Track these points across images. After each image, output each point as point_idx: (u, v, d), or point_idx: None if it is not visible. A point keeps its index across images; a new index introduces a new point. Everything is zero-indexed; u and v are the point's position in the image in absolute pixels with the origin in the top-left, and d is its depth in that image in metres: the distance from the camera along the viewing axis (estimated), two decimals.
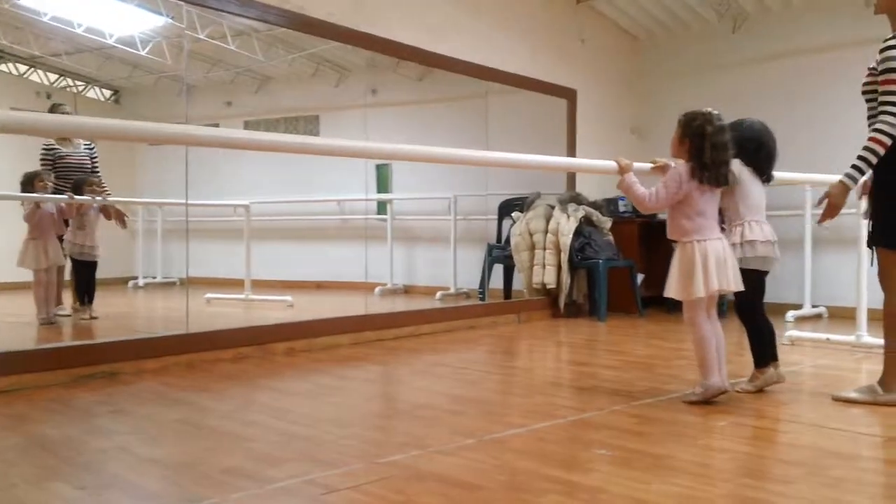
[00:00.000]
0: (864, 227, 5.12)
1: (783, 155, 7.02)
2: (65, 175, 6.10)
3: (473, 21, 6.73)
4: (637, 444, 2.94)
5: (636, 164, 3.79)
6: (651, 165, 3.82)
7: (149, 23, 6.41)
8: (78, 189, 6.03)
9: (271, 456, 2.81)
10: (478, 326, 6.51)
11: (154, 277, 8.40)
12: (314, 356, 5.07)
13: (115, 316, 6.77)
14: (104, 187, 6.18)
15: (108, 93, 7.69)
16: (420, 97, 7.83)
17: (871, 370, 4.59)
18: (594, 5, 7.85)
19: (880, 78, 3.53)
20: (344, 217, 8.35)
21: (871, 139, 3.48)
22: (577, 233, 7.07)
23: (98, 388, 4.02)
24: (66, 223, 6.05)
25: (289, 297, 7.07)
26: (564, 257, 7.03)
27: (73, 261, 6.15)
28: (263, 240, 8.05)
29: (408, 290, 8.23)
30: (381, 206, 8.22)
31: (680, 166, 3.58)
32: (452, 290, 7.82)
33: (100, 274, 6.23)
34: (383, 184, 8.19)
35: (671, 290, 3.63)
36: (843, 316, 6.58)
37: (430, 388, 4.24)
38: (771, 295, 7.19)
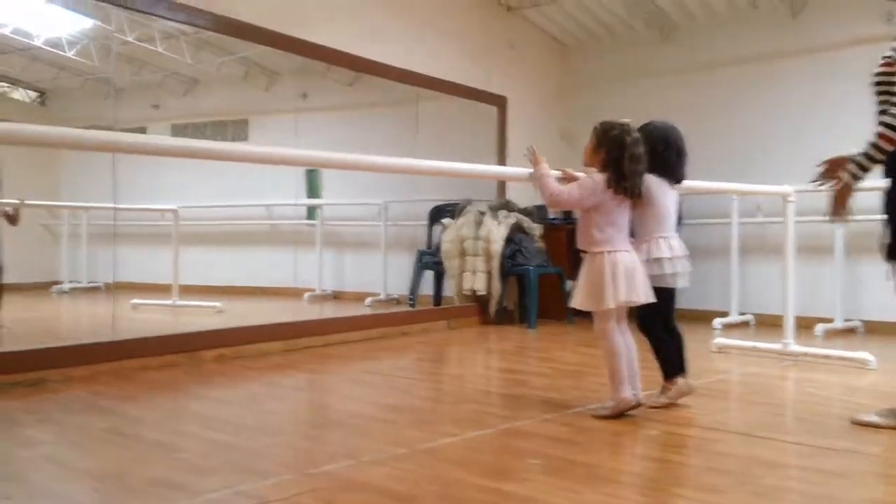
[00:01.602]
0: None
1: (712, 163, 7.24)
2: None
3: (404, 27, 6.73)
4: (569, 454, 2.97)
5: (552, 171, 3.67)
6: (560, 175, 3.68)
7: (76, 25, 6.27)
8: None
9: (201, 466, 2.77)
10: (409, 333, 6.50)
11: (79, 282, 8.21)
12: (244, 363, 5.01)
13: (40, 322, 6.60)
14: None
15: (33, 94, 7.49)
16: (351, 102, 7.80)
17: (797, 378, 4.72)
18: (524, 13, 7.92)
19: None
20: (273, 222, 8.26)
21: (878, 134, 3.31)
22: (508, 240, 7.12)
23: (24, 397, 3.92)
24: None
25: (217, 303, 6.97)
26: (495, 264, 7.07)
27: None
28: (192, 244, 7.92)
29: (337, 296, 8.18)
30: (311, 212, 8.16)
31: (596, 175, 3.50)
32: (382, 297, 7.80)
33: (23, 279, 6.05)
34: (313, 189, 8.13)
35: (579, 301, 3.57)
36: (770, 323, 6.72)
37: (362, 396, 4.23)
38: (698, 302, 7.47)
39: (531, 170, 3.63)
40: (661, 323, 3.78)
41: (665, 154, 3.69)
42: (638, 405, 3.54)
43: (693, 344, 5.96)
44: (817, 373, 4.80)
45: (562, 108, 8.51)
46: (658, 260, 3.66)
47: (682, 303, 7.28)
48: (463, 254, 7.22)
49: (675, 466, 2.86)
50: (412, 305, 7.46)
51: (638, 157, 3.46)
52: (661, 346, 3.78)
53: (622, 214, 3.55)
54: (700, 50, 7.74)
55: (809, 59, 7.12)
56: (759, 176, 6.70)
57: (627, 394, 3.49)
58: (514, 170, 3.75)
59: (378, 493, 2.50)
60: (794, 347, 5.21)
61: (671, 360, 3.77)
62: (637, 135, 3.49)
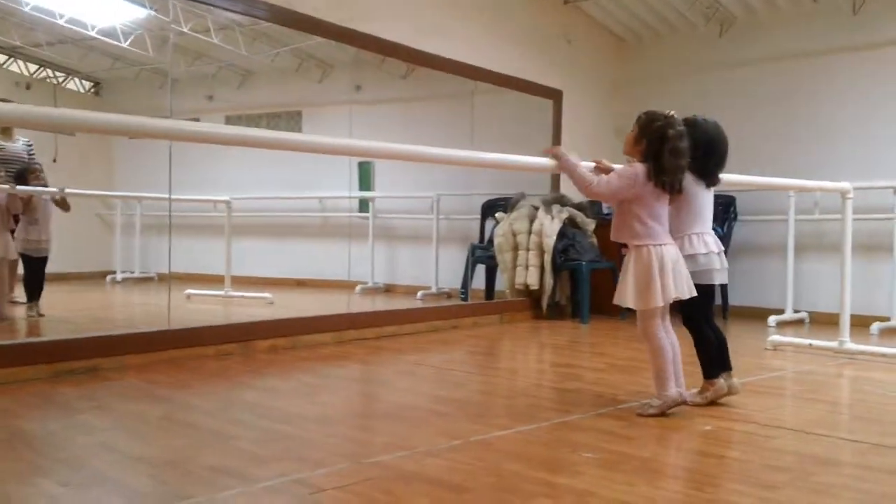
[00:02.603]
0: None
1: (769, 159, 7.16)
2: (2, 167, 5.90)
3: (460, 19, 6.72)
4: (623, 448, 2.94)
5: (586, 163, 3.53)
6: (594, 164, 3.55)
7: (131, 14, 6.35)
8: (22, 179, 5.78)
9: (257, 454, 2.79)
10: (460, 327, 6.49)
11: (132, 272, 8.33)
12: (297, 354, 5.04)
13: (94, 310, 6.70)
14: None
15: (88, 84, 7.61)
16: (405, 94, 7.81)
17: (853, 376, 4.63)
18: (581, 6, 7.86)
19: None
20: (325, 214, 8.32)
21: None
22: (561, 234, 7.07)
23: (80, 384, 3.97)
24: (15, 219, 5.79)
25: (268, 295, 7.03)
26: (548, 258, 7.03)
27: (24, 257, 5.87)
28: (244, 236, 8.00)
29: (388, 290, 8.21)
30: (364, 204, 8.19)
31: (637, 165, 3.40)
32: (434, 290, 7.81)
33: (78, 268, 6.15)
34: (365, 181, 8.16)
35: (626, 299, 3.44)
36: (825, 321, 6.63)
37: (414, 388, 4.23)
38: (753, 299, 7.38)
39: (536, 158, 3.57)
40: (705, 320, 3.69)
41: (703, 159, 3.56)
42: (683, 403, 3.47)
43: (748, 341, 5.97)
44: (873, 371, 4.72)
45: (618, 103, 8.43)
46: (693, 256, 3.54)
47: (737, 300, 7.41)
48: (516, 248, 7.20)
49: (730, 462, 2.81)
50: (464, 299, 7.45)
51: (680, 151, 3.35)
52: (703, 344, 3.66)
53: (663, 207, 3.45)
54: (759, 45, 7.62)
55: (869, 54, 6.98)
56: (817, 172, 6.57)
57: (673, 392, 3.41)
58: (537, 160, 3.63)
59: (434, 483, 2.49)
60: (850, 345, 5.12)
61: (712, 360, 3.66)
62: (681, 128, 3.38)
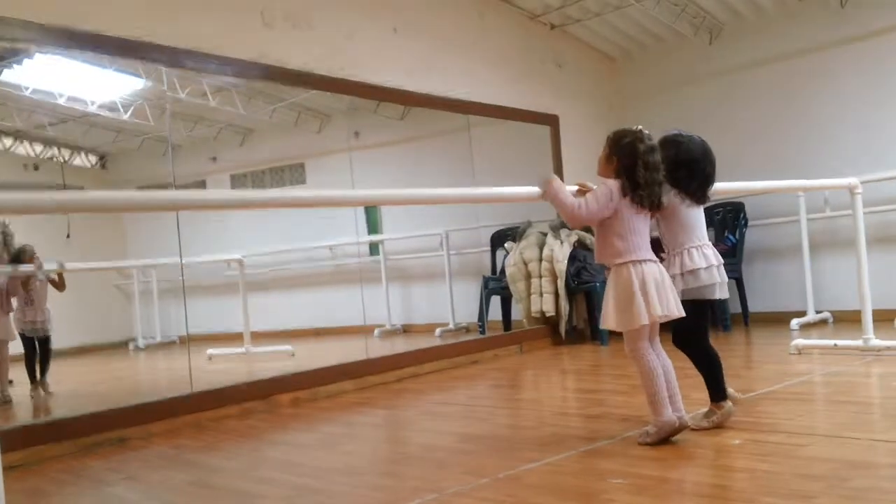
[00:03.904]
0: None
1: (773, 162, 7.15)
2: None
3: (450, 56, 6.77)
4: (652, 471, 2.92)
5: (568, 188, 3.43)
6: (577, 188, 3.45)
7: (129, 87, 6.43)
8: (18, 260, 5.79)
9: None
10: (480, 361, 6.49)
11: (154, 338, 8.36)
12: (320, 405, 5.04)
13: (118, 380, 6.72)
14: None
15: (94, 159, 7.69)
16: (403, 136, 7.85)
17: (881, 373, 4.59)
18: (568, 30, 7.90)
19: None
20: (337, 262, 8.34)
21: None
22: (572, 257, 7.07)
23: (108, 456, 3.99)
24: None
25: (289, 347, 7.04)
26: (561, 283, 7.03)
27: (24, 338, 5.85)
28: (259, 291, 8.03)
29: (406, 330, 8.21)
30: (374, 248, 8.22)
31: (610, 182, 3.31)
32: (451, 326, 7.80)
33: (100, 338, 6.17)
34: (373, 225, 8.19)
35: (609, 321, 3.32)
36: (850, 319, 6.54)
37: (439, 428, 4.22)
38: (773, 304, 7.34)
39: (526, 188, 3.45)
40: (705, 339, 3.56)
41: (687, 182, 3.47)
42: (682, 428, 3.31)
43: (772, 348, 5.94)
44: None
45: (615, 121, 8.43)
46: (694, 272, 3.43)
47: (757, 306, 7.37)
48: (528, 276, 7.20)
49: (763, 475, 2.78)
50: (482, 332, 7.44)
51: (653, 165, 3.26)
52: (710, 365, 3.50)
53: (643, 222, 3.34)
54: (750, 49, 7.64)
55: (862, 46, 6.97)
56: (824, 170, 6.56)
57: (669, 416, 3.26)
58: (523, 189, 3.55)
59: None
60: (876, 342, 5.07)
61: (720, 381, 3.49)
62: (651, 142, 3.29)
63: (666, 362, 3.37)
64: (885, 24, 6.82)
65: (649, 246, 3.35)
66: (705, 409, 3.50)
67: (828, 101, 7.20)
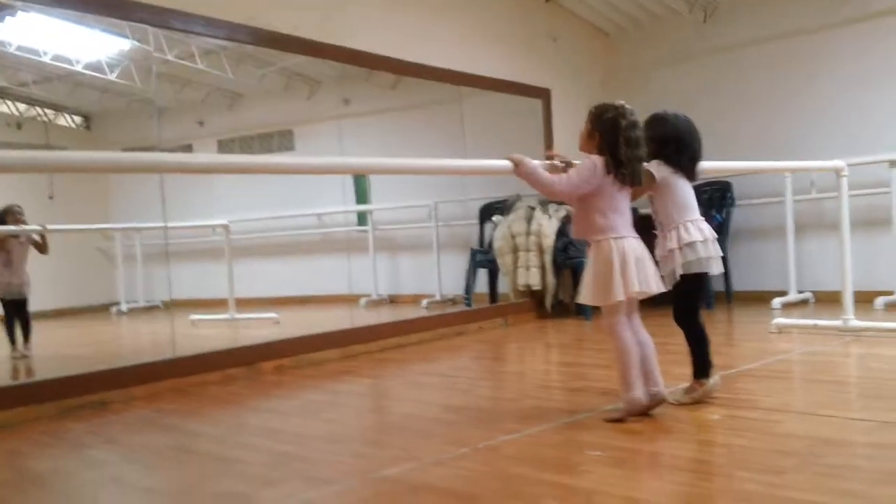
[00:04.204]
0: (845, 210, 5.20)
1: (762, 142, 7.16)
2: None
3: (443, 26, 6.72)
4: (631, 443, 2.94)
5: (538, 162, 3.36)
6: (547, 157, 3.46)
7: (116, 47, 6.36)
8: (2, 221, 5.70)
9: (266, 477, 2.79)
10: (465, 332, 6.50)
11: (136, 302, 8.33)
12: (303, 372, 5.05)
13: (100, 343, 6.71)
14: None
15: (78, 119, 7.62)
16: (394, 105, 7.82)
17: (859, 354, 4.62)
18: (563, 3, 7.85)
19: None
20: (324, 230, 8.31)
21: None
22: (560, 233, 7.07)
23: (88, 419, 3.98)
24: None
25: (275, 314, 7.04)
26: (548, 258, 7.03)
27: (1, 300, 5.79)
28: (245, 257, 8.01)
29: (393, 300, 8.21)
30: (362, 217, 8.20)
31: (594, 157, 3.26)
32: (438, 298, 7.81)
33: (82, 302, 6.14)
34: (362, 194, 8.17)
35: (586, 296, 3.31)
36: (830, 300, 6.59)
37: (422, 398, 4.23)
38: (756, 283, 7.37)
39: (497, 161, 3.39)
40: (698, 313, 3.55)
41: (676, 157, 3.47)
42: (656, 404, 3.30)
43: (753, 326, 5.98)
44: (880, 347, 4.71)
45: (607, 97, 8.30)
46: (691, 244, 3.40)
47: (740, 284, 7.41)
48: (515, 250, 7.20)
49: (739, 450, 2.80)
50: (468, 305, 7.45)
51: (635, 140, 3.24)
52: (700, 340, 3.51)
53: (624, 200, 3.32)
54: (744, 28, 7.61)
55: (856, 29, 6.96)
56: (812, 151, 6.58)
57: (638, 395, 3.23)
58: (480, 162, 3.45)
59: (441, 494, 2.50)
60: (855, 322, 5.11)
61: (706, 358, 3.50)
62: (633, 118, 3.27)
63: (645, 338, 3.36)
64: (880, 8, 6.80)
65: (631, 223, 3.34)
66: (686, 385, 3.51)
67: (819, 83, 7.20)
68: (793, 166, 5.97)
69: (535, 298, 7.19)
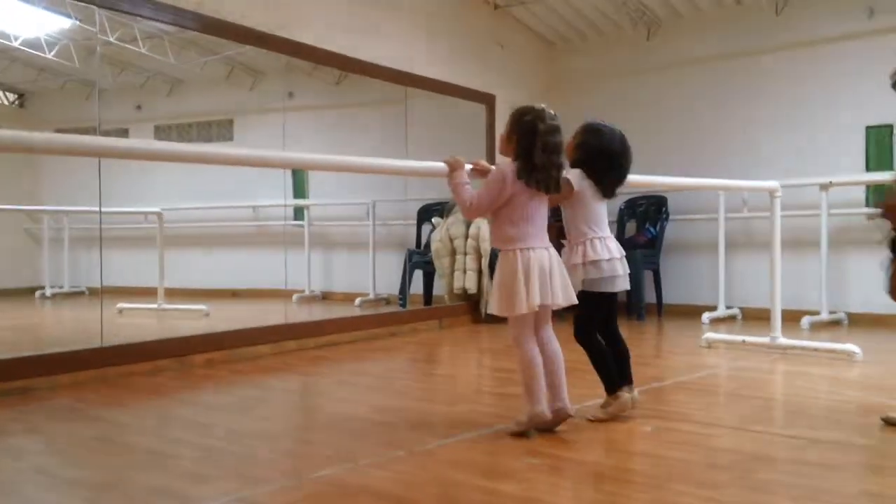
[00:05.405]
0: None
1: (698, 159, 7.28)
2: None
3: (391, 26, 6.69)
4: (567, 452, 2.96)
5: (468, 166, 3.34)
6: (472, 167, 3.34)
7: (56, 25, 6.20)
8: None
9: (197, 474, 2.74)
10: (399, 334, 6.47)
11: (61, 287, 8.14)
12: (234, 367, 4.97)
13: (23, 328, 6.53)
14: None
15: (12, 96, 7.42)
16: (338, 101, 7.76)
17: (786, 371, 4.73)
18: (511, 11, 7.89)
19: None
20: (259, 223, 8.22)
21: None
22: None
23: (10, 406, 3.86)
24: None
25: (204, 306, 6.92)
26: (485, 262, 7.05)
27: None
28: (177, 247, 7.86)
29: (326, 297, 8.15)
30: (299, 212, 8.12)
31: (504, 165, 3.18)
32: (372, 297, 7.78)
33: (5, 284, 5.97)
34: (300, 189, 8.09)
35: (493, 305, 3.22)
36: (757, 317, 6.75)
37: (355, 398, 4.19)
38: (686, 297, 7.49)
39: (431, 163, 3.32)
40: (598, 332, 3.47)
41: (603, 175, 3.40)
42: (560, 420, 3.22)
43: (683, 339, 6.07)
44: (805, 365, 4.82)
45: (550, 106, 8.47)
46: (595, 262, 3.34)
47: (671, 298, 7.52)
48: (453, 252, 7.20)
49: (673, 463, 2.83)
50: (402, 305, 7.43)
51: (553, 146, 3.13)
52: (600, 357, 3.44)
53: (538, 208, 3.21)
54: (686, 47, 7.74)
55: (793, 54, 7.14)
56: (746, 171, 6.74)
57: (541, 409, 3.14)
58: (415, 163, 3.34)
59: (377, 496, 2.48)
60: (782, 340, 5.24)
61: (612, 373, 3.44)
62: (554, 122, 3.16)
63: (554, 351, 3.28)
64: (817, 35, 6.99)
65: (544, 233, 3.25)
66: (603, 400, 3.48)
67: (757, 104, 7.35)
68: (729, 184, 6.08)
69: (470, 302, 7.20)
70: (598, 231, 3.40)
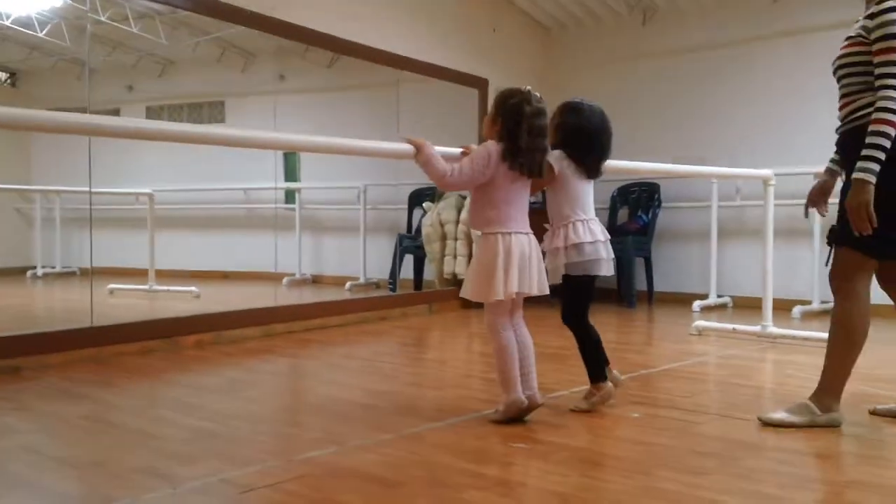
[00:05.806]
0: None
1: (692, 146, 7.27)
2: None
3: (384, 7, 6.66)
4: (553, 437, 2.96)
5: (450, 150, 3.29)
6: (461, 150, 3.29)
7: (47, 3, 6.17)
8: None
9: (184, 454, 2.73)
10: (389, 318, 6.48)
11: (53, 267, 8.11)
12: (224, 349, 4.97)
13: (14, 308, 6.51)
14: None
15: (3, 75, 7.38)
16: (330, 84, 7.74)
17: (776, 360, 4.74)
18: None
19: (876, 47, 2.94)
20: (251, 206, 8.20)
21: (878, 121, 2.88)
22: None
23: None
24: None
25: (194, 288, 6.92)
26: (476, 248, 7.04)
27: None
28: (168, 228, 7.84)
29: (316, 281, 8.14)
30: (290, 195, 8.10)
31: (491, 144, 3.12)
32: (362, 281, 7.77)
33: None
34: (292, 172, 8.07)
35: (467, 289, 3.19)
36: (748, 305, 6.77)
37: (344, 381, 4.20)
38: (677, 285, 7.50)
39: (397, 144, 3.26)
40: (584, 317, 3.43)
41: (585, 154, 3.35)
42: (533, 407, 3.19)
43: (674, 327, 6.08)
44: (795, 354, 4.82)
45: (543, 92, 8.30)
46: (578, 245, 3.28)
47: (661, 286, 7.52)
48: (444, 237, 7.20)
49: (659, 449, 2.84)
50: (392, 290, 7.43)
51: (537, 129, 3.09)
52: (588, 342, 3.41)
53: (520, 192, 3.17)
54: (682, 34, 7.72)
55: (789, 42, 7.11)
56: (739, 159, 6.73)
57: (518, 396, 3.12)
58: (398, 146, 3.29)
59: (365, 479, 2.48)
60: (773, 329, 5.24)
61: (599, 361, 3.40)
62: (540, 105, 3.12)
63: (525, 338, 3.26)
64: (813, 23, 6.95)
65: (525, 217, 3.21)
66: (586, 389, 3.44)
67: (750, 92, 7.34)
68: (723, 172, 6.08)
69: (460, 287, 7.18)
70: (581, 214, 3.35)
